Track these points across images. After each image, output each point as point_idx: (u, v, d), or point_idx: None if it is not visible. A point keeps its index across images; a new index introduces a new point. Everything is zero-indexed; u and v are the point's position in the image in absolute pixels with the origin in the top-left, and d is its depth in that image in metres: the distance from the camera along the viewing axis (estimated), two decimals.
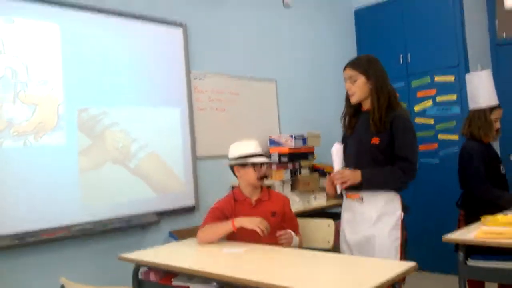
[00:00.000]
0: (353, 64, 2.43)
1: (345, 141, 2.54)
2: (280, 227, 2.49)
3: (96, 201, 2.92)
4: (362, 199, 2.37)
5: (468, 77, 3.32)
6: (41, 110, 2.74)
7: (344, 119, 2.55)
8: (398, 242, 2.30)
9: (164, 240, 3.21)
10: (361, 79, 2.38)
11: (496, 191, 2.94)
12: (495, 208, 2.76)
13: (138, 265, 2.28)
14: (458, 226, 3.05)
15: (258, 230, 2.29)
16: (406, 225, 2.37)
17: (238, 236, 2.42)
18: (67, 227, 2.74)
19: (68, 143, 2.84)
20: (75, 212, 2.81)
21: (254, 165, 2.53)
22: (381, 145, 2.32)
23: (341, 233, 2.53)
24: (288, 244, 2.43)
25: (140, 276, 2.30)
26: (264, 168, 2.57)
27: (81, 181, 2.86)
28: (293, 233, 2.47)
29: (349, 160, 2.44)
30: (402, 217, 2.33)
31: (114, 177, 3.01)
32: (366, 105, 2.44)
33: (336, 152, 2.45)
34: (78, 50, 2.92)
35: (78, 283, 1.71)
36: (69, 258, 2.80)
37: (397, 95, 2.42)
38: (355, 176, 2.32)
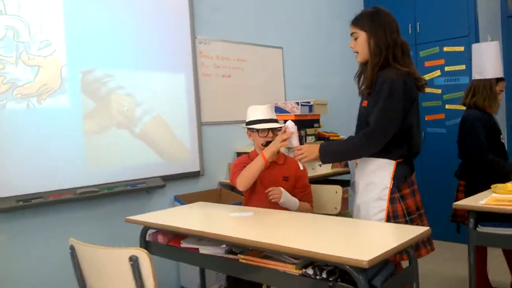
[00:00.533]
0: (355, 20, 2.23)
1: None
2: (290, 192, 2.48)
3: (102, 164, 2.89)
4: (357, 165, 2.27)
5: (475, 47, 3.25)
6: (44, 72, 2.68)
7: (357, 80, 2.33)
8: (382, 215, 2.11)
9: (169, 204, 3.21)
10: (362, 37, 2.18)
11: (499, 161, 2.92)
12: (496, 178, 2.72)
13: (146, 227, 2.27)
14: (456, 197, 3.04)
15: (284, 143, 2.32)
16: (406, 195, 2.14)
17: (257, 201, 2.48)
18: (73, 190, 2.73)
19: (72, 105, 2.79)
20: (80, 175, 2.79)
21: (258, 130, 2.52)
22: (368, 109, 2.14)
23: None
24: (277, 200, 2.40)
25: (148, 238, 2.29)
26: (270, 134, 2.53)
27: (85, 144, 2.82)
28: (282, 189, 2.43)
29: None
30: (390, 186, 2.11)
31: (119, 141, 2.98)
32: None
33: (291, 129, 2.35)
34: (81, 11, 2.84)
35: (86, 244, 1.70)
36: (77, 220, 2.81)
37: (404, 50, 2.16)
38: (312, 150, 2.20)
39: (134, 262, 1.46)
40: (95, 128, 2.88)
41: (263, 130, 2.52)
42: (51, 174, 2.67)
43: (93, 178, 2.84)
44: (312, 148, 2.20)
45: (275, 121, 2.58)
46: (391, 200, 2.11)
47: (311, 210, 2.57)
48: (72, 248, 1.71)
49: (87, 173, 2.82)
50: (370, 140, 2.08)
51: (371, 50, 2.14)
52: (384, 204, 2.11)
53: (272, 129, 2.53)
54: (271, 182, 2.47)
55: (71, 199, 2.70)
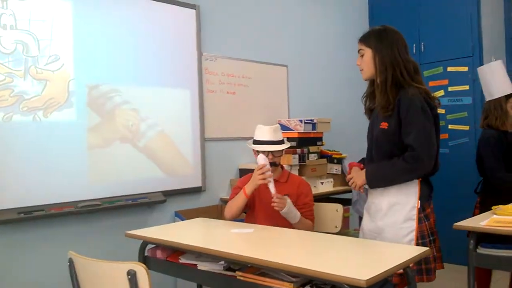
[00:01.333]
0: (362, 37, 2.23)
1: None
2: None
3: (104, 178, 2.91)
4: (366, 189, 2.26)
5: (479, 70, 3.29)
6: (51, 86, 2.72)
7: (365, 100, 2.31)
8: (412, 235, 2.07)
9: (169, 219, 3.21)
10: (368, 54, 2.17)
11: None
12: (510, 196, 2.72)
13: (145, 242, 2.27)
14: (473, 213, 3.03)
15: (264, 181, 2.40)
16: (429, 215, 2.14)
17: (258, 219, 2.55)
18: (74, 203, 2.74)
19: (78, 119, 2.82)
20: (82, 189, 2.81)
21: (258, 151, 2.57)
22: (389, 131, 2.08)
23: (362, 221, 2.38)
24: (280, 208, 2.42)
25: (146, 253, 2.29)
26: (271, 156, 2.56)
27: (89, 158, 2.85)
28: (288, 200, 2.45)
29: (368, 146, 2.27)
30: (418, 206, 2.08)
31: (123, 155, 3.00)
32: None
33: (263, 160, 2.46)
34: (89, 27, 2.89)
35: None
36: (77, 233, 2.81)
37: (414, 69, 2.14)
38: (359, 175, 2.20)
39: (131, 276, 1.47)
40: (100, 142, 2.91)
41: (264, 151, 2.55)
42: (53, 186, 2.69)
43: (95, 192, 2.85)
44: (360, 174, 2.20)
45: (280, 142, 2.62)
46: (419, 220, 2.09)
47: (312, 227, 2.57)
48: (70, 261, 1.72)
49: (89, 186, 2.84)
50: (419, 163, 2.02)
51: (376, 67, 2.13)
52: (413, 225, 2.08)
53: (273, 152, 2.57)
54: (271, 201, 2.48)
55: (72, 212, 2.72)
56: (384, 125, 2.11)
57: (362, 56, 2.21)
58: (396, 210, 2.11)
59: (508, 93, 3.06)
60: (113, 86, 2.98)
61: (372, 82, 2.24)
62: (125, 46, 3.05)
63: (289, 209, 2.44)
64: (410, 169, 2.04)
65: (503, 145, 2.98)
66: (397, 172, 2.08)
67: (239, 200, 2.51)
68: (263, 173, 2.41)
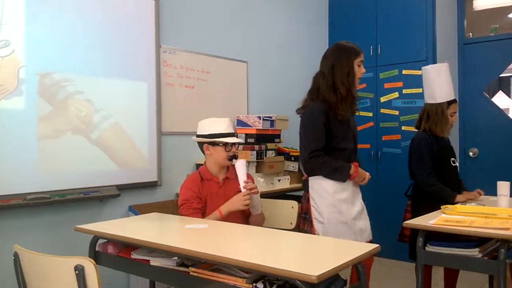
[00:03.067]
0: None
1: (329, 127, 2.48)
2: None
3: (55, 170, 2.81)
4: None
5: (424, 70, 3.18)
6: (0, 73, 2.60)
7: (347, 104, 2.50)
8: None
9: (123, 214, 3.14)
10: None
11: (438, 185, 2.93)
12: (437, 200, 2.77)
13: (96, 237, 2.21)
14: (404, 216, 3.07)
15: (246, 207, 2.41)
16: None
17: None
18: (22, 195, 2.63)
19: (28, 108, 2.70)
20: (31, 181, 2.69)
21: (225, 144, 2.50)
22: None
23: (331, 215, 2.47)
24: (256, 192, 2.45)
25: (97, 248, 2.23)
26: (234, 148, 2.54)
27: (39, 149, 2.74)
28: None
29: (351, 146, 2.56)
30: None
31: (75, 147, 2.90)
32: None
33: (241, 166, 2.46)
34: (43, 13, 2.78)
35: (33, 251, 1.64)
36: (25, 227, 2.70)
37: None
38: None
39: (79, 272, 1.42)
40: (50, 133, 2.80)
41: (229, 144, 2.50)
42: (1, 177, 2.57)
43: (45, 184, 2.75)
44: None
45: (236, 135, 2.61)
46: None
47: (263, 218, 2.60)
48: (15, 255, 1.65)
49: (38, 178, 2.73)
50: None
51: None
52: None
53: (236, 144, 2.56)
54: (226, 198, 2.47)
55: (20, 204, 2.60)
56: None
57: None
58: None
59: (451, 99, 3.05)
60: (66, 75, 2.88)
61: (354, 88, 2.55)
62: (80, 34, 2.95)
63: (259, 199, 2.50)
64: None
65: (433, 150, 2.99)
66: None
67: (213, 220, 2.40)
68: (249, 195, 2.41)
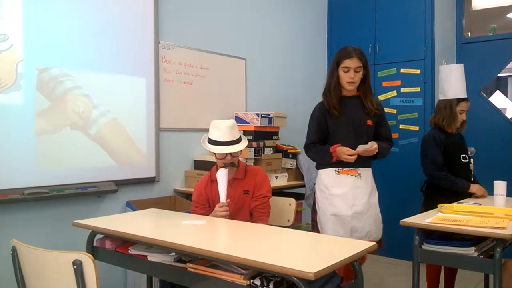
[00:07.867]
0: (362, 55, 2.66)
1: (325, 123, 2.74)
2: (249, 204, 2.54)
3: (53, 165, 2.81)
4: (360, 174, 2.71)
5: (441, 68, 3.37)
6: None
7: (333, 104, 2.70)
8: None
9: (121, 209, 3.15)
10: (362, 71, 2.67)
11: (451, 177, 3.03)
12: (452, 194, 2.88)
13: (93, 232, 2.22)
14: (421, 211, 3.12)
15: (224, 214, 2.39)
16: None
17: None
18: (20, 190, 2.63)
19: (26, 103, 2.70)
20: (29, 175, 2.69)
21: (215, 153, 2.46)
22: (373, 126, 2.75)
23: (325, 207, 2.70)
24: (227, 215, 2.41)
25: (95, 243, 2.24)
26: (229, 156, 2.44)
27: (37, 144, 2.74)
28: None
29: (348, 138, 2.67)
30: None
31: (73, 142, 2.90)
32: (353, 92, 2.73)
33: (222, 177, 2.41)
34: (42, 8, 2.77)
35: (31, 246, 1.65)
36: (22, 221, 2.70)
37: None
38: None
39: (77, 266, 1.43)
40: (48, 128, 2.80)
41: (220, 154, 2.44)
42: None
43: (43, 179, 2.75)
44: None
45: (238, 141, 2.48)
46: None
47: (266, 223, 2.58)
48: (14, 250, 1.66)
49: (36, 173, 2.73)
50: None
51: (367, 81, 2.73)
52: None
53: (232, 152, 2.44)
54: (232, 198, 2.46)
55: (18, 199, 2.60)
56: (369, 122, 2.72)
57: (358, 72, 2.65)
58: (374, 193, 2.82)
59: (461, 97, 3.16)
60: (65, 70, 2.87)
61: (339, 90, 2.72)
62: (78, 29, 2.94)
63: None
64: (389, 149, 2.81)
65: (442, 145, 3.09)
66: (389, 150, 2.83)
67: None
68: (225, 210, 2.40)
